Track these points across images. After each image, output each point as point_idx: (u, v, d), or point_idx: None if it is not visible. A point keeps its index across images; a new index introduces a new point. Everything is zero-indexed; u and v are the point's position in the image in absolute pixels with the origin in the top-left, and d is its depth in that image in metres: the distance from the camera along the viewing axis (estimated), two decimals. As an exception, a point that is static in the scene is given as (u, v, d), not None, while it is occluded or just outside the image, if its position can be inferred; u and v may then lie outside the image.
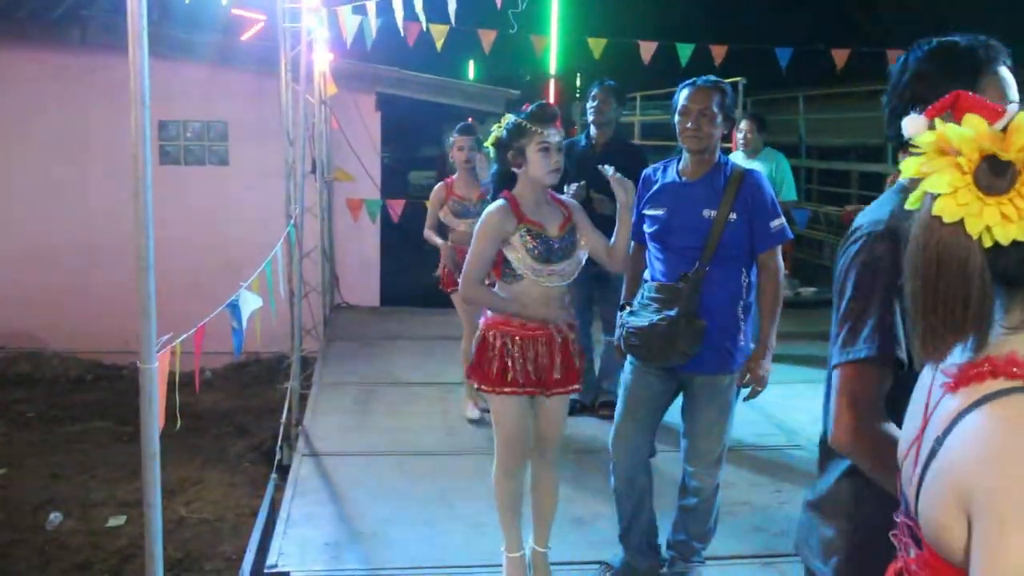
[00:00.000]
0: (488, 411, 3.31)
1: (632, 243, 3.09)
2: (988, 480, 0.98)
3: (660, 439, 3.32)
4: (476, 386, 3.05)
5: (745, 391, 3.10)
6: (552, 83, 12.40)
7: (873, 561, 1.64)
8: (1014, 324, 1.08)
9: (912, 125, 1.12)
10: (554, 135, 2.88)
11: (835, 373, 1.60)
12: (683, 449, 3.14)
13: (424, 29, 6.10)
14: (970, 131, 1.04)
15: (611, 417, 4.97)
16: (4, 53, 7.57)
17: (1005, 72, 1.59)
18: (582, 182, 3.51)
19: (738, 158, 5.79)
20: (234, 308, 3.10)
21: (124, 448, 5.82)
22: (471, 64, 18.89)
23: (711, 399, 3.04)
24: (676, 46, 7.09)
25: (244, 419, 6.54)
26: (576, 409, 4.75)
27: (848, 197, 10.61)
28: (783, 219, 3.03)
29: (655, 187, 3.10)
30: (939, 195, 1.03)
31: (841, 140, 11.94)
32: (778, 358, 3.23)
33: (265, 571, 3.42)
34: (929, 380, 1.19)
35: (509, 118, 2.96)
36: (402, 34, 6.11)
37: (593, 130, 4.85)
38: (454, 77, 10.69)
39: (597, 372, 5.11)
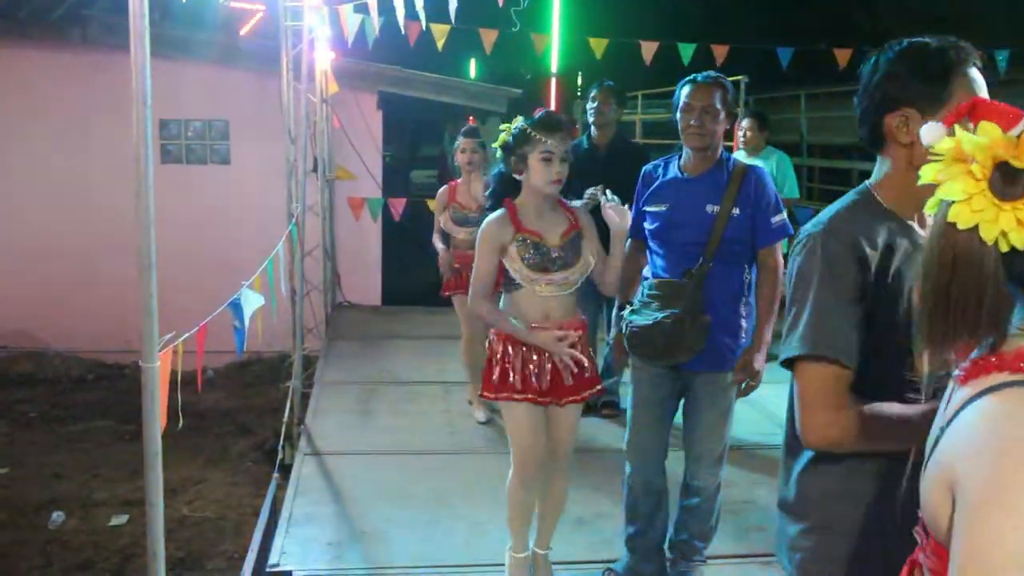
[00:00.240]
0: (496, 412, 3.29)
1: (629, 240, 3.06)
2: (972, 462, 1.01)
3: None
4: (483, 394, 3.00)
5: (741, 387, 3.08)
6: (553, 82, 12.37)
7: (836, 557, 1.66)
8: None
9: (930, 133, 1.14)
10: (559, 145, 2.82)
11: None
12: (685, 449, 3.13)
13: (424, 28, 6.10)
14: (984, 138, 1.05)
15: (612, 416, 5.03)
16: (5, 52, 7.57)
17: (975, 73, 1.60)
18: (599, 186, 3.47)
19: (739, 157, 5.78)
20: (236, 307, 3.10)
21: (126, 447, 5.82)
22: (472, 63, 18.87)
23: (713, 397, 3.03)
24: (678, 46, 7.09)
25: (246, 418, 6.54)
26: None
27: (850, 196, 10.59)
28: (784, 215, 3.02)
29: (656, 184, 3.08)
30: (954, 202, 1.05)
31: (843, 138, 11.93)
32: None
33: (267, 570, 3.42)
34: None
35: (518, 121, 2.91)
36: (403, 32, 6.11)
37: (594, 131, 4.85)
38: (456, 76, 10.67)
39: (600, 371, 5.08)
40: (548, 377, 2.90)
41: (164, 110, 7.66)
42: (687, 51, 7.08)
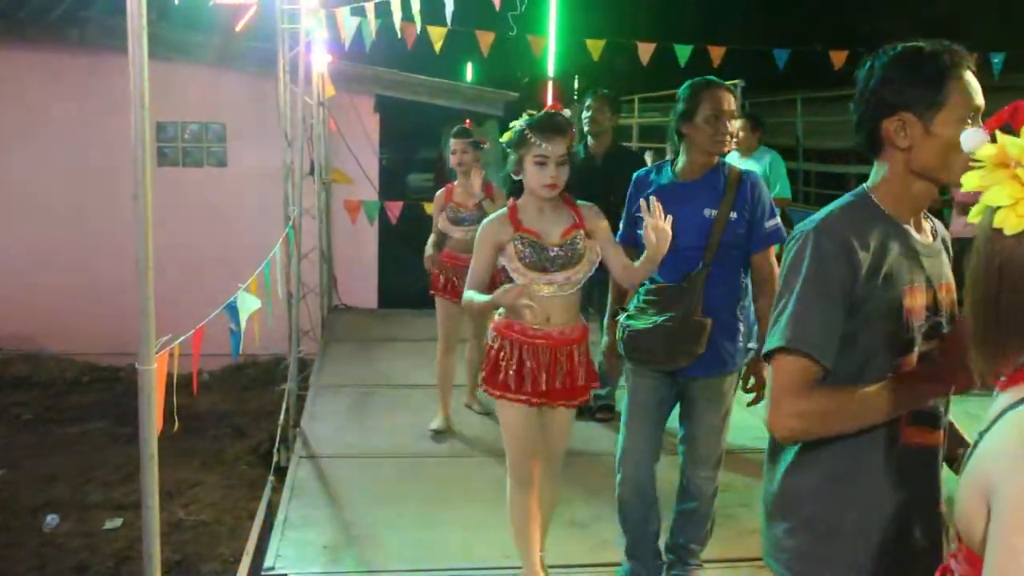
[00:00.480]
0: (488, 413, 3.29)
1: (620, 245, 3.04)
2: (1009, 475, 0.99)
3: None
4: (485, 389, 3.01)
5: (747, 396, 3.07)
6: (550, 85, 12.40)
7: (821, 556, 1.67)
8: None
9: (971, 139, 1.13)
10: (555, 149, 2.77)
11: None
12: (682, 453, 3.13)
13: (419, 31, 6.10)
14: None
15: (607, 421, 5.02)
16: (3, 54, 7.57)
17: (970, 77, 1.61)
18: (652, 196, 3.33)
19: (732, 158, 5.77)
20: (232, 310, 3.10)
21: (121, 450, 5.80)
22: (469, 66, 18.89)
23: (711, 402, 3.02)
24: (674, 47, 7.10)
25: (242, 421, 6.53)
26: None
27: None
28: (778, 219, 3.03)
29: (650, 190, 3.05)
30: (999, 207, 1.04)
31: (839, 143, 11.97)
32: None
33: (263, 573, 3.41)
34: None
35: (521, 121, 2.88)
36: (400, 36, 6.11)
37: (590, 140, 4.83)
38: (452, 79, 10.69)
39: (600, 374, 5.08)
40: (544, 379, 2.90)
41: (161, 113, 7.64)
42: (683, 52, 7.09)
